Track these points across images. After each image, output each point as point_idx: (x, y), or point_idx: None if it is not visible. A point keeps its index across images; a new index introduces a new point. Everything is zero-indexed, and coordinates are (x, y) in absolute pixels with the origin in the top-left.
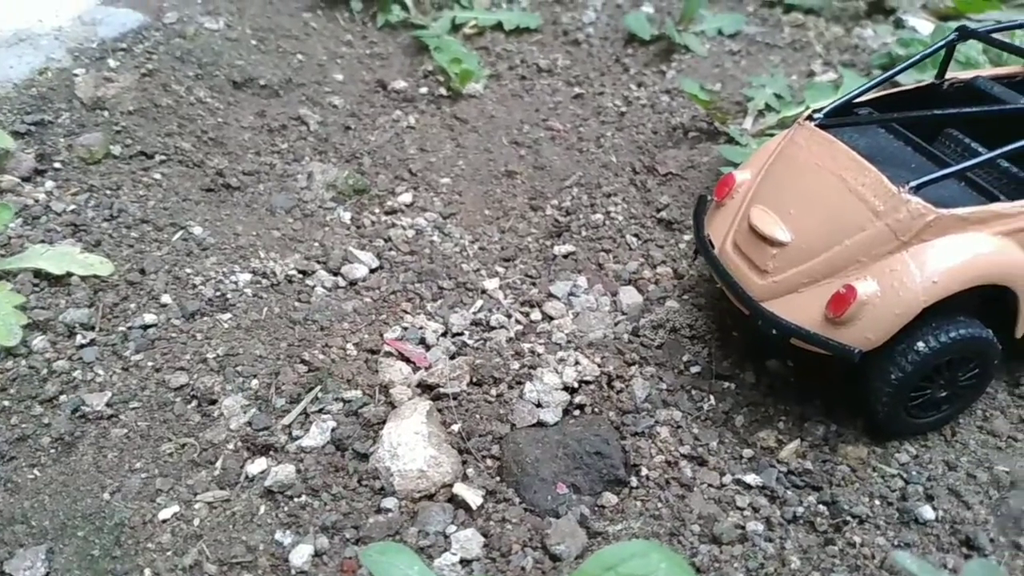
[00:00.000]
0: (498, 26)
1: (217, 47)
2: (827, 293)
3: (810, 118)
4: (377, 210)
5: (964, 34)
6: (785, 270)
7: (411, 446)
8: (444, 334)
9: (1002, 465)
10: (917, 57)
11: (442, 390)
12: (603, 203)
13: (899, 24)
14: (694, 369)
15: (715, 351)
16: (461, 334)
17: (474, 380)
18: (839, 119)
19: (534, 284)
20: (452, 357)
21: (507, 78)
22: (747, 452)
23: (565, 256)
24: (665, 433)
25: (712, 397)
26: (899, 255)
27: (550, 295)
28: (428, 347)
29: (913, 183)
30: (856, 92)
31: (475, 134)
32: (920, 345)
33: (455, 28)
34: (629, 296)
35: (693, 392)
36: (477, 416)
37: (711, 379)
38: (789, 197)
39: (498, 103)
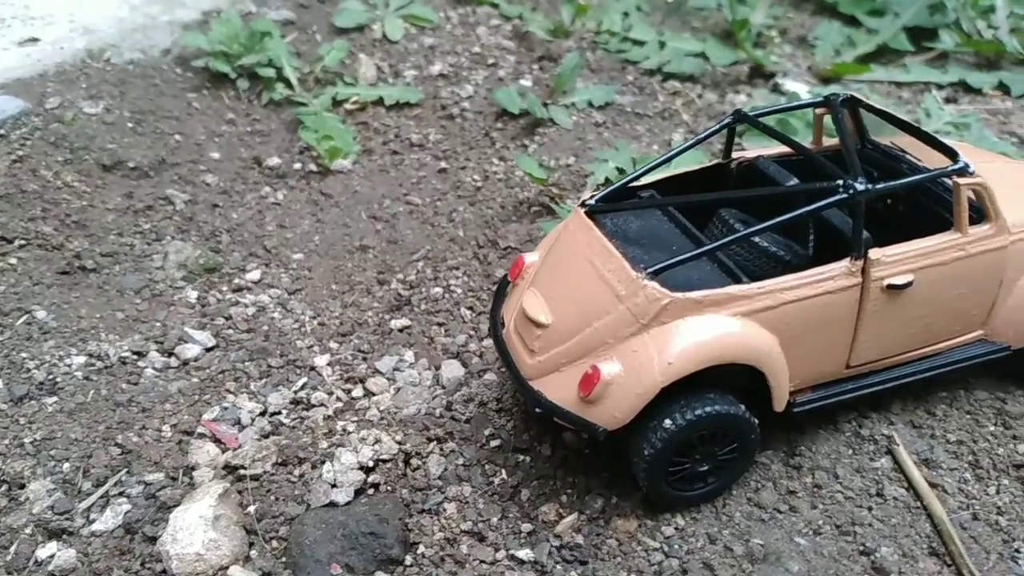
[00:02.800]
0: (379, 101)
1: (92, 131)
2: (580, 373)
3: (584, 203)
4: (225, 288)
5: (739, 117)
6: (548, 350)
7: (191, 529)
8: (262, 413)
9: (759, 538)
10: (693, 141)
11: (244, 471)
12: (445, 276)
13: (776, 89)
14: (494, 443)
15: (518, 424)
16: (278, 413)
17: (280, 460)
18: (612, 204)
19: (365, 359)
20: (266, 437)
21: (379, 153)
22: (527, 527)
23: (400, 330)
24: (452, 509)
25: (504, 471)
26: (640, 337)
27: (376, 371)
28: (242, 427)
29: (650, 268)
30: (632, 176)
31: (337, 209)
32: (668, 422)
33: (337, 104)
34: (452, 370)
35: (487, 467)
36: (274, 497)
37: (508, 452)
38: (554, 281)
39: (365, 178)
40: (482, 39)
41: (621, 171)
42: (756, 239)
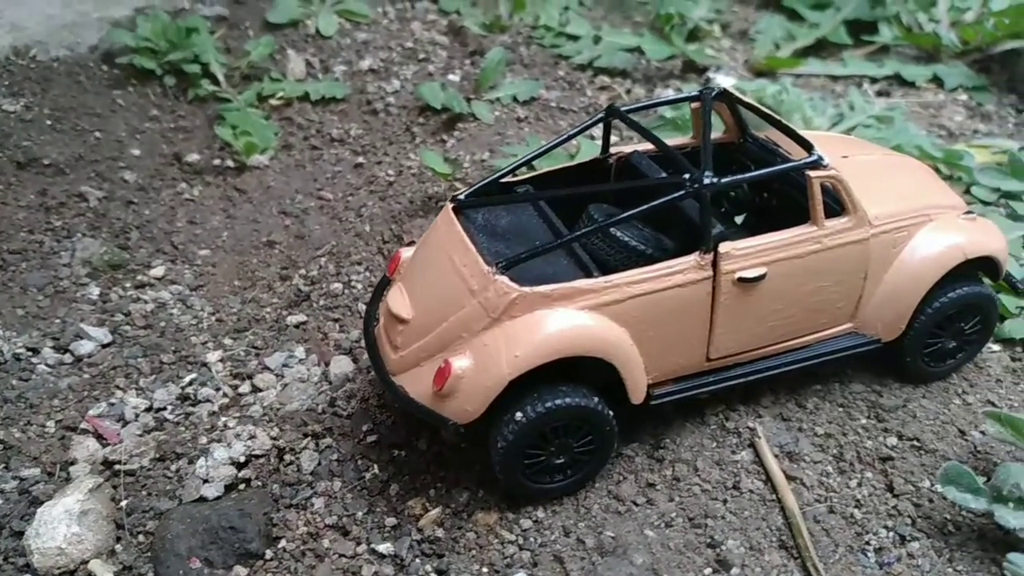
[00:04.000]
0: (305, 96)
1: (8, 128)
2: (436, 368)
3: (454, 198)
4: (128, 284)
5: (611, 112)
6: (409, 345)
7: (55, 524)
8: (148, 409)
9: (611, 531)
10: (564, 136)
11: (121, 466)
12: (348, 272)
13: (707, 83)
14: (371, 438)
15: (397, 420)
16: (163, 409)
17: (158, 456)
18: (481, 199)
19: (257, 355)
20: (148, 432)
21: (298, 148)
22: (391, 521)
23: (296, 326)
24: (319, 504)
25: (377, 466)
26: (491, 331)
27: (265, 367)
28: (126, 423)
29: (501, 262)
30: (503, 171)
31: (249, 205)
32: (519, 415)
33: (263, 99)
34: (340, 366)
35: (361, 462)
36: (147, 492)
37: (384, 448)
38: (417, 276)
39: (280, 173)
40: (416, 34)
41: (529, 165)
42: (617, 233)
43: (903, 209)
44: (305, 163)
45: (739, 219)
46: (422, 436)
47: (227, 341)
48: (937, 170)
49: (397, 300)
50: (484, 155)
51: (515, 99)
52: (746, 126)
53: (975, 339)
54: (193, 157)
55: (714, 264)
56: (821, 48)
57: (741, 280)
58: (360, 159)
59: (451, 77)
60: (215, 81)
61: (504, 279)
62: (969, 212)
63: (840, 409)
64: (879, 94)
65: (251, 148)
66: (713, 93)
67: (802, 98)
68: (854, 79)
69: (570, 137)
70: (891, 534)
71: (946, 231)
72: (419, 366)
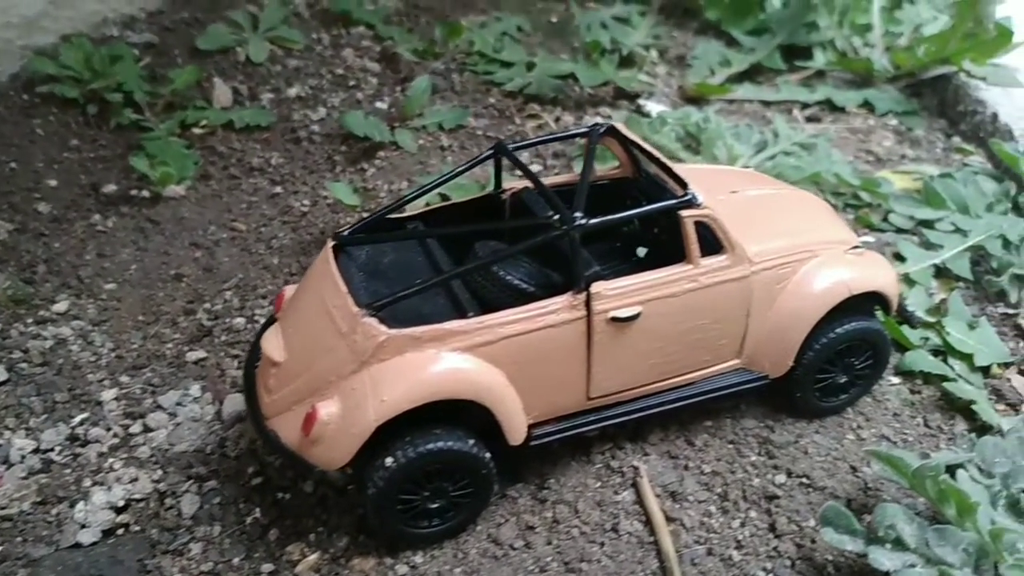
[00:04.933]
0: (229, 124)
1: None
2: (305, 412)
3: (336, 234)
4: (29, 320)
5: (498, 149)
6: (281, 389)
7: None
8: (35, 451)
9: None
10: (451, 172)
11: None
12: (252, 306)
13: (639, 110)
14: (257, 480)
15: (285, 462)
16: (51, 450)
17: (40, 500)
18: (364, 236)
19: (153, 393)
20: (33, 475)
21: (217, 178)
22: (268, 567)
23: (196, 362)
24: (196, 550)
25: (260, 510)
26: (359, 375)
27: (159, 406)
28: (10, 465)
29: (370, 303)
30: (388, 207)
31: (161, 237)
32: (389, 460)
33: (186, 128)
34: (234, 404)
35: (243, 505)
36: (22, 538)
37: (269, 490)
38: (293, 316)
39: (196, 204)
40: (348, 61)
41: (442, 196)
42: (499, 271)
43: (786, 245)
44: (222, 193)
45: (642, 252)
46: (309, 479)
47: (124, 379)
48: (856, 197)
49: (271, 341)
50: (402, 184)
51: (440, 127)
52: (640, 161)
53: (868, 373)
54: (110, 188)
55: (587, 304)
56: (758, 73)
57: (615, 319)
58: (278, 188)
59: (379, 105)
60: (138, 110)
61: (372, 321)
62: (856, 247)
63: (730, 446)
64: (809, 120)
65: (167, 178)
66: (601, 130)
67: (723, 127)
68: (786, 104)
69: (458, 173)
70: None
71: (831, 267)
72: (291, 410)
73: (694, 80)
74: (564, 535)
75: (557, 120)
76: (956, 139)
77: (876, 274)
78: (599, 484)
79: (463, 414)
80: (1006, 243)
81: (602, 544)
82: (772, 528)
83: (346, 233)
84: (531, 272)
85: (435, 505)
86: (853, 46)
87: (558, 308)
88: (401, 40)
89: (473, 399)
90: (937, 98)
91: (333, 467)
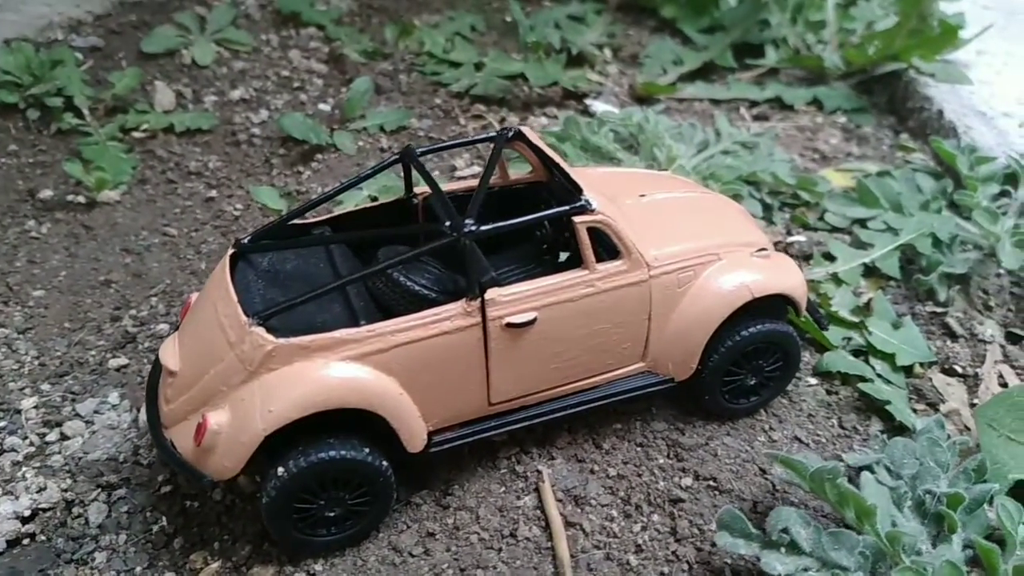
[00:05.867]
0: (170, 128)
1: None
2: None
3: (236, 242)
4: None
5: (406, 153)
6: (177, 398)
7: None
8: None
9: None
10: (354, 179)
11: None
12: (177, 312)
13: (585, 110)
14: (167, 488)
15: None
16: None
17: None
18: (266, 243)
19: (73, 401)
20: None
21: (153, 182)
22: None
23: (118, 369)
24: (101, 559)
25: (167, 518)
26: (249, 385)
27: (77, 414)
28: None
29: (261, 312)
30: (290, 213)
31: (93, 243)
32: (280, 470)
33: (127, 132)
34: None
35: (151, 514)
36: None
37: (178, 498)
38: (190, 325)
39: (131, 209)
40: (294, 62)
41: (374, 198)
42: (400, 278)
43: (688, 249)
44: (157, 198)
45: (564, 256)
46: (218, 486)
47: (45, 387)
48: (795, 196)
49: (168, 351)
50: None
51: (382, 129)
52: (555, 164)
53: (778, 376)
54: (47, 193)
55: (482, 310)
56: (712, 71)
57: (510, 325)
58: (213, 192)
59: (322, 107)
60: (80, 114)
61: (260, 330)
62: (763, 250)
63: (639, 449)
64: (757, 118)
65: (102, 184)
66: (509, 134)
67: (663, 127)
68: (736, 103)
69: (364, 178)
70: None
71: (733, 271)
72: (187, 419)
73: (645, 79)
74: (463, 541)
75: (502, 120)
76: (904, 136)
77: (780, 277)
78: (503, 489)
79: (364, 422)
80: (936, 242)
81: (499, 550)
82: (673, 532)
83: (246, 240)
84: (439, 278)
85: (332, 514)
86: (807, 43)
87: (452, 315)
88: (351, 41)
89: (364, 408)
90: (887, 95)
91: (224, 477)
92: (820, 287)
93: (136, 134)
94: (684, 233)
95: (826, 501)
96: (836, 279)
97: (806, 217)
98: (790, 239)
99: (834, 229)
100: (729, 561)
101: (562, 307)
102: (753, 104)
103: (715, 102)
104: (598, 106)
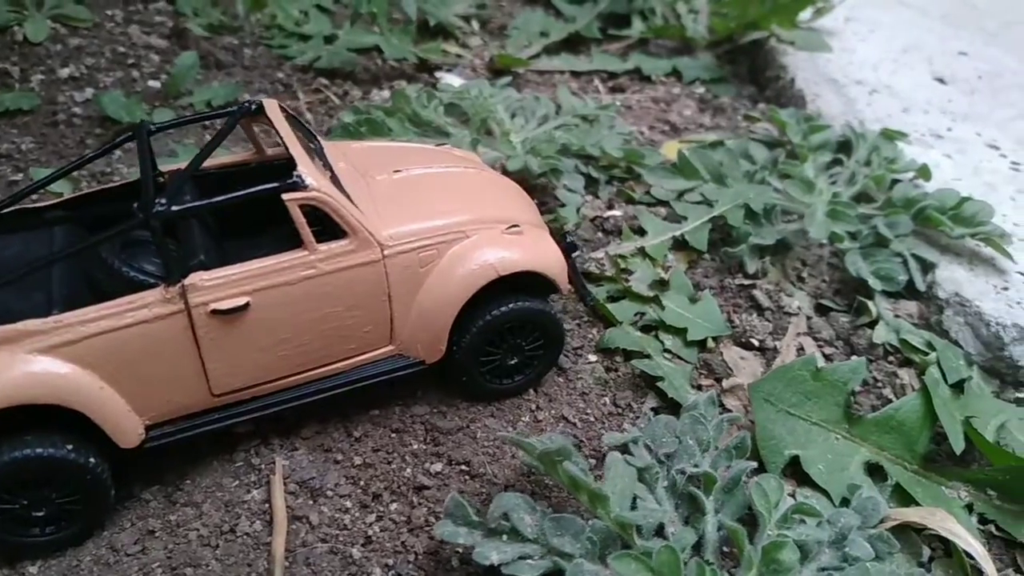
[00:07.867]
0: None
1: None
2: None
3: None
4: None
5: (138, 130)
6: None
7: None
8: None
9: None
10: (88, 156)
11: None
12: None
13: (435, 84)
14: None
15: None
16: None
17: None
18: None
19: None
20: None
21: None
22: None
23: None
24: None
25: None
26: None
27: None
28: None
29: None
30: (5, 200)
31: None
32: None
33: None
34: None
35: None
36: None
37: None
38: None
39: None
40: (133, 38)
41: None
42: (115, 264)
43: (431, 227)
44: None
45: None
46: None
47: None
48: (629, 170)
49: None
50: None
51: (209, 105)
52: (315, 137)
53: (541, 355)
54: None
55: (183, 296)
56: (581, 43)
57: (216, 312)
58: (19, 176)
59: (152, 83)
60: None
61: None
62: (515, 226)
63: (394, 435)
64: (613, 90)
65: None
66: (252, 108)
67: (496, 101)
68: (596, 75)
69: (92, 158)
70: (390, 573)
71: (479, 248)
72: None
73: (507, 52)
74: (181, 539)
75: (345, 94)
76: (763, 106)
77: (531, 254)
78: (235, 483)
79: (74, 418)
80: (750, 213)
81: (216, 547)
82: (409, 521)
83: None
84: (158, 264)
85: (40, 513)
86: (677, 13)
87: (150, 302)
88: (202, 15)
89: (57, 403)
90: (748, 64)
91: None
92: (627, 262)
93: None
94: (430, 210)
95: (563, 484)
96: (643, 253)
97: (633, 191)
98: (607, 213)
99: (658, 202)
100: (459, 550)
101: (280, 291)
102: (612, 76)
103: (575, 74)
104: (449, 79)
